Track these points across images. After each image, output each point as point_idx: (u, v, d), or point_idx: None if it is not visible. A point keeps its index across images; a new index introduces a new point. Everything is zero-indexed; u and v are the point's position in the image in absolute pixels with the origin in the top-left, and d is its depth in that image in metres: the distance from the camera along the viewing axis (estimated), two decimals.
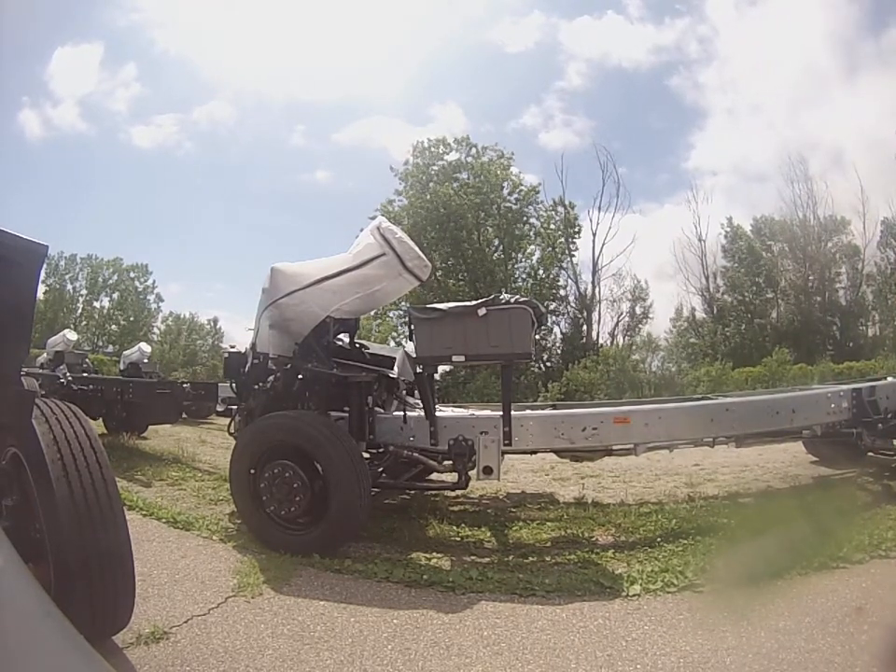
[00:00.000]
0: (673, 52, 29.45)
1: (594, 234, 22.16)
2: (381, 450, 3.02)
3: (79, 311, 30.73)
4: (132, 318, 30.95)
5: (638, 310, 23.23)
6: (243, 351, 3.63)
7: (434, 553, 2.54)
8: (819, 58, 28.62)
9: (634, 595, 2.04)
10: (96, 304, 30.97)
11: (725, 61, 31.20)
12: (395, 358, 3.42)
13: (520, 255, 21.87)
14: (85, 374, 7.22)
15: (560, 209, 22.03)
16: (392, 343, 15.67)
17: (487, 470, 2.56)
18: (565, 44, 35.50)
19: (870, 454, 3.73)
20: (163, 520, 2.99)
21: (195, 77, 38.60)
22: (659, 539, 2.62)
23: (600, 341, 22.43)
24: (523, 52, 34.36)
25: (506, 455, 2.77)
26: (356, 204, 37.33)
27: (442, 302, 2.98)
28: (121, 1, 36.58)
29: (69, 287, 30.49)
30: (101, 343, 29.30)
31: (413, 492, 3.57)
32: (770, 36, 27.97)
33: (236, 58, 38.09)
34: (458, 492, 3.26)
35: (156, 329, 32.22)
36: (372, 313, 17.17)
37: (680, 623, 1.81)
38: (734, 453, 3.47)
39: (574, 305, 22.90)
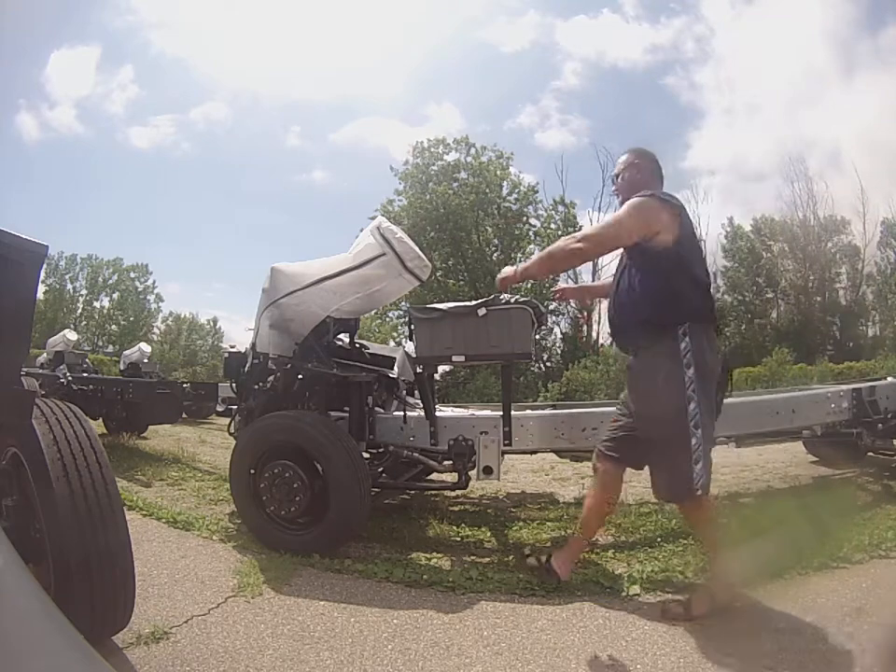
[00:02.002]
0: (669, 51, 29.54)
1: None
2: (381, 450, 3.02)
3: (79, 311, 30.76)
4: (132, 318, 30.99)
5: None
6: (243, 351, 3.63)
7: (434, 553, 2.54)
8: (817, 57, 28.67)
9: (634, 595, 2.04)
10: (96, 304, 31.03)
11: (722, 60, 31.26)
12: (395, 358, 3.42)
13: (520, 255, 21.88)
14: (85, 374, 7.22)
15: (560, 208, 22.04)
16: (392, 343, 15.67)
17: (487, 470, 2.55)
18: (561, 43, 35.67)
19: (870, 454, 3.73)
20: (163, 520, 2.99)
21: (192, 77, 38.80)
22: (659, 539, 2.61)
23: (600, 341, 22.43)
24: (519, 52, 34.47)
25: (506, 455, 2.77)
26: (353, 204, 37.39)
27: (442, 302, 2.98)
28: (117, 3, 36.67)
29: (69, 286, 30.52)
30: (101, 343, 29.34)
31: (413, 492, 3.57)
32: (767, 35, 28.01)
33: (232, 58, 38.25)
34: (458, 492, 3.26)
35: (156, 329, 32.26)
36: (372, 313, 17.18)
37: (680, 624, 1.81)
38: (734, 453, 3.47)
39: (574, 305, 22.89)
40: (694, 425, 1.79)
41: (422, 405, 2.93)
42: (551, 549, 2.21)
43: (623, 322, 2.05)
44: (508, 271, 2.21)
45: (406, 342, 3.27)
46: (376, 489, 2.98)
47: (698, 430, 1.79)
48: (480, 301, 2.64)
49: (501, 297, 2.67)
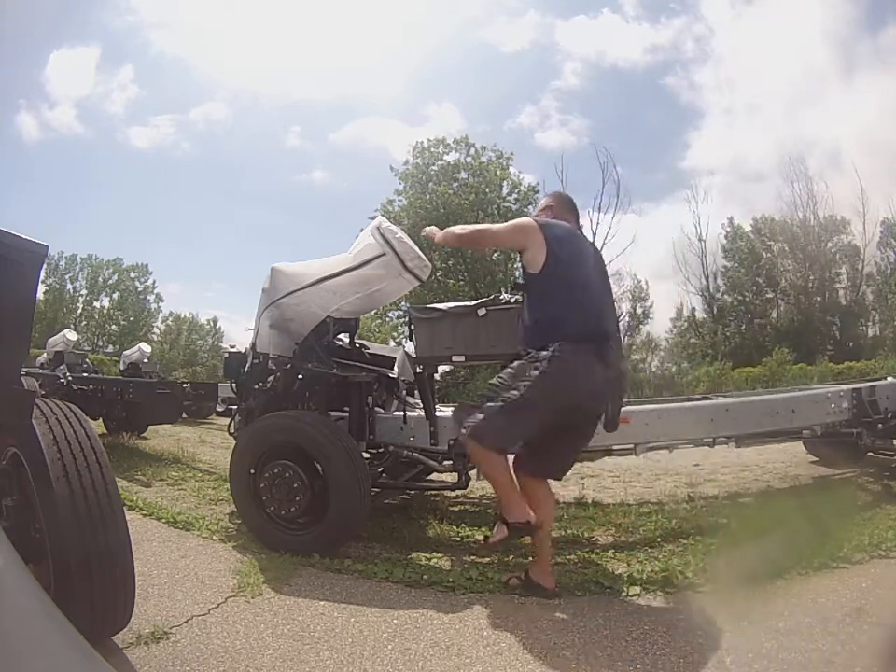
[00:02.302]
0: (669, 51, 29.54)
1: (593, 234, 22.18)
2: (381, 450, 3.02)
3: (79, 311, 30.75)
4: (132, 318, 30.97)
5: (639, 310, 23.26)
6: (243, 351, 3.63)
7: (434, 553, 2.54)
8: (817, 57, 28.67)
9: (634, 595, 2.04)
10: (96, 304, 31.01)
11: (721, 60, 31.23)
12: (395, 358, 3.42)
13: (520, 254, 21.89)
14: (85, 374, 7.22)
15: None
16: (392, 343, 15.68)
17: None
18: (560, 43, 35.70)
19: (870, 454, 3.73)
20: (163, 520, 2.99)
21: (191, 77, 38.83)
22: (659, 539, 2.61)
23: None
24: (518, 52, 34.51)
25: None
26: (353, 204, 37.35)
27: (442, 302, 2.98)
28: (117, 3, 36.65)
29: (69, 286, 30.51)
30: (101, 343, 29.34)
31: (413, 492, 3.57)
32: (767, 35, 28.02)
33: (232, 58, 38.30)
34: (458, 492, 3.26)
35: (156, 329, 32.26)
36: (372, 313, 17.18)
37: (680, 623, 1.81)
38: (734, 453, 3.47)
39: None
40: (502, 401, 1.94)
41: (422, 405, 2.93)
42: (526, 566, 2.21)
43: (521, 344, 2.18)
44: (432, 231, 2.47)
45: (406, 342, 3.27)
46: (376, 489, 2.98)
47: (503, 408, 1.94)
48: (480, 300, 2.64)
49: (501, 297, 2.67)
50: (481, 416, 1.97)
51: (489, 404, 1.98)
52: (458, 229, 2.43)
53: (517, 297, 2.69)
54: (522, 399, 1.92)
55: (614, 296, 2.43)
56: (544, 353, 1.94)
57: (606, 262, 2.24)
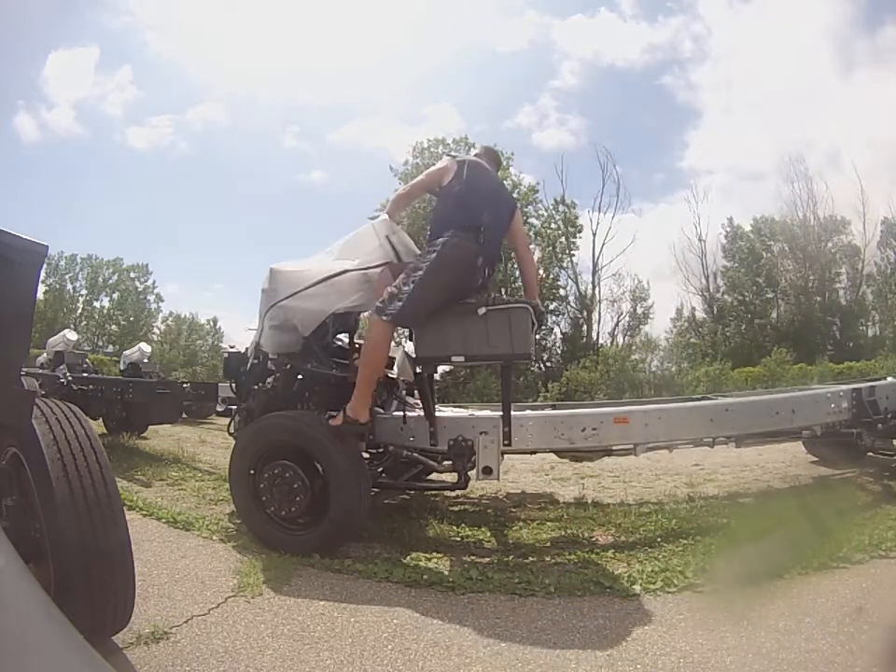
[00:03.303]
0: (667, 51, 29.54)
1: (594, 234, 22.21)
2: (381, 450, 3.02)
3: (79, 311, 30.75)
4: (132, 318, 30.98)
5: (639, 310, 23.28)
6: (243, 351, 3.63)
7: (434, 553, 2.54)
8: (817, 57, 28.69)
9: (634, 595, 2.04)
10: (96, 304, 31.02)
11: (720, 59, 31.24)
12: (394, 358, 3.42)
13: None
14: (85, 374, 7.22)
15: (560, 208, 22.04)
16: (392, 343, 15.63)
17: (487, 470, 2.55)
18: (558, 43, 35.74)
19: (870, 454, 3.73)
20: (163, 520, 2.98)
21: (189, 78, 38.85)
22: (659, 539, 2.61)
23: (600, 341, 22.47)
24: (517, 51, 34.54)
25: (506, 455, 2.77)
26: (353, 204, 37.27)
27: None
28: (115, 4, 36.64)
29: (69, 286, 30.52)
30: (101, 343, 29.35)
31: (413, 492, 3.57)
32: (765, 34, 28.01)
33: (230, 59, 38.34)
34: (458, 492, 3.26)
35: (156, 329, 32.27)
36: None
37: (680, 623, 1.81)
38: (734, 453, 3.47)
39: (574, 305, 22.94)
40: (412, 282, 2.50)
41: (421, 405, 2.92)
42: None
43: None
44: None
45: (406, 342, 3.26)
46: (376, 489, 2.97)
47: (414, 288, 2.48)
48: (480, 300, 2.64)
49: (501, 297, 2.67)
50: (399, 303, 2.47)
51: (404, 288, 2.47)
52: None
53: (517, 297, 2.69)
54: (425, 276, 2.47)
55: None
56: (440, 239, 2.54)
57: (514, 200, 3.02)
